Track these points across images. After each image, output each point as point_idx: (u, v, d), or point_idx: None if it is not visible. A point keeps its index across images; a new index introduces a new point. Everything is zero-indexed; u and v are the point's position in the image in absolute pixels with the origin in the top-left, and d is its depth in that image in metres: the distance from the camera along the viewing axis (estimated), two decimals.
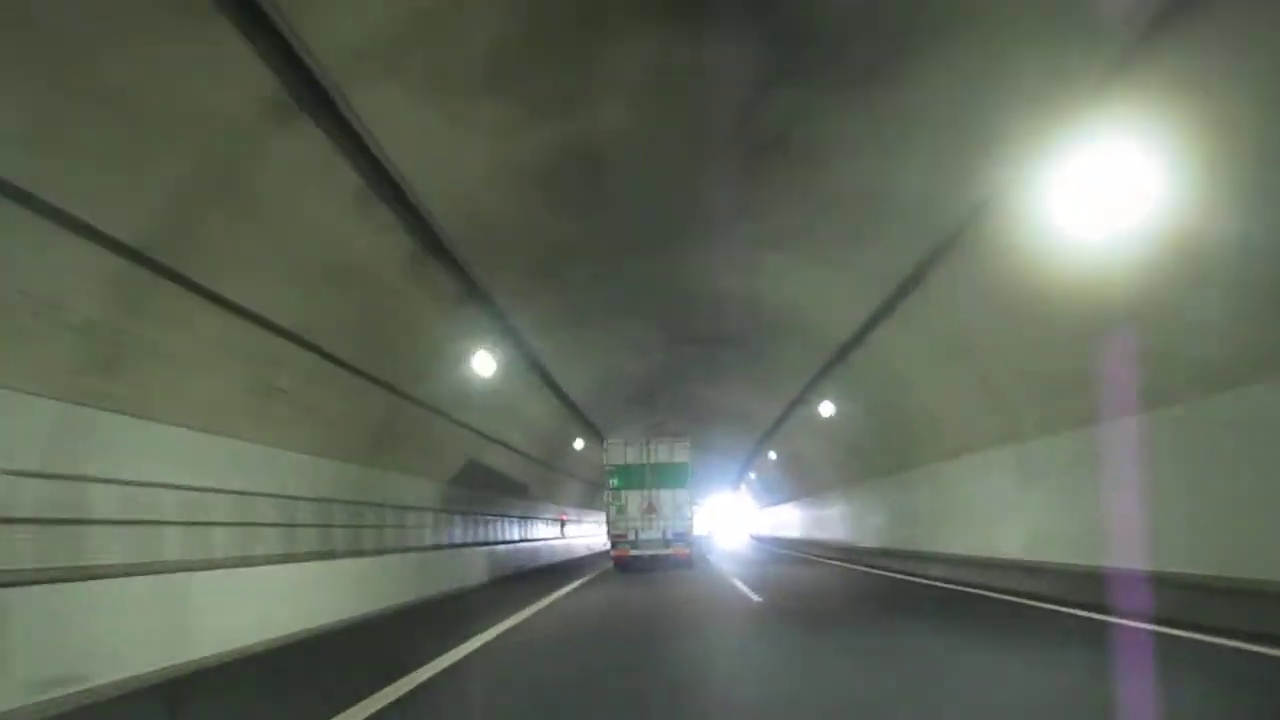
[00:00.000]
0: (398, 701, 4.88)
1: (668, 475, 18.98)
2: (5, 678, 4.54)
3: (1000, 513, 11.27)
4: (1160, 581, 7.18)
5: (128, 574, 5.78)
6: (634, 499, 18.94)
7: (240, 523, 7.63)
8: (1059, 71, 5.92)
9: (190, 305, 6.42)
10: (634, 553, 18.79)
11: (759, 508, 46.64)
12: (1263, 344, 6.03)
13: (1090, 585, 8.12)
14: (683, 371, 20.12)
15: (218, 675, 6.01)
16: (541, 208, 8.94)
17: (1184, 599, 6.75)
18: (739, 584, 13.30)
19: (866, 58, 6.36)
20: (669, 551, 18.68)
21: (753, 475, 39.59)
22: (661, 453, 19.15)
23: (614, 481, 19.09)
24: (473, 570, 15.25)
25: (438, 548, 14.36)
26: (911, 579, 13.00)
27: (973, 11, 5.74)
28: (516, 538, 21.51)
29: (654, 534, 18.75)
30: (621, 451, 19.19)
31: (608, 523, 19.09)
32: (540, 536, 25.28)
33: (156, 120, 5.26)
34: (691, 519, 19.00)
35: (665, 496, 18.87)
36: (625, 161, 8.08)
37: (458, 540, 15.87)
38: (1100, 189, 6.36)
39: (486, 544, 17.80)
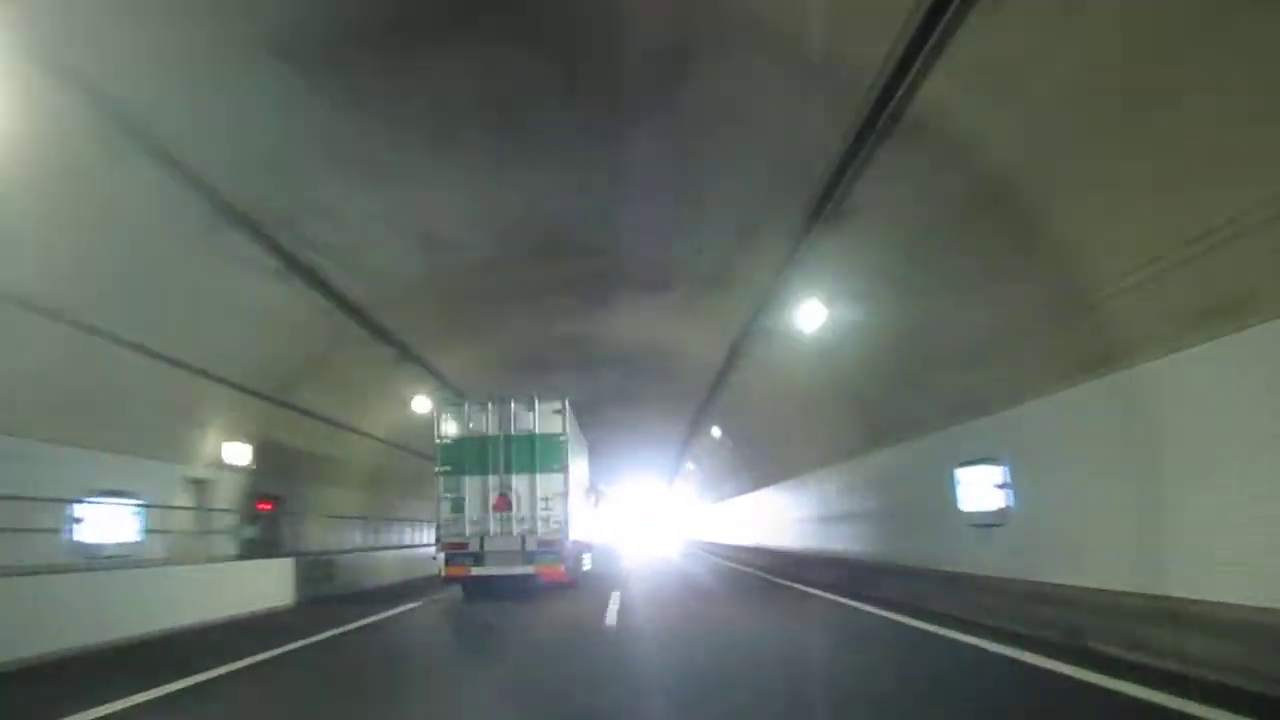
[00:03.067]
0: None
1: (532, 453, 13.02)
2: None
3: None
4: None
5: None
6: (477, 490, 12.94)
7: None
8: None
9: None
10: (476, 571, 12.83)
11: (704, 503, 39.98)
12: None
13: None
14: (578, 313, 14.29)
15: None
16: None
17: None
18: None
19: None
20: (531, 569, 12.78)
21: (691, 465, 33.76)
22: (522, 418, 13.17)
23: (447, 464, 13.08)
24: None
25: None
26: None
27: None
28: (361, 545, 15.39)
29: (509, 543, 12.79)
30: (460, 417, 13.17)
31: (437, 527, 13.06)
32: (398, 543, 19.13)
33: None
34: (570, 519, 13.10)
35: (528, 486, 12.93)
36: None
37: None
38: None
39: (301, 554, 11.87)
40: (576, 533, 14.23)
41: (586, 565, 17.73)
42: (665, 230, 10.58)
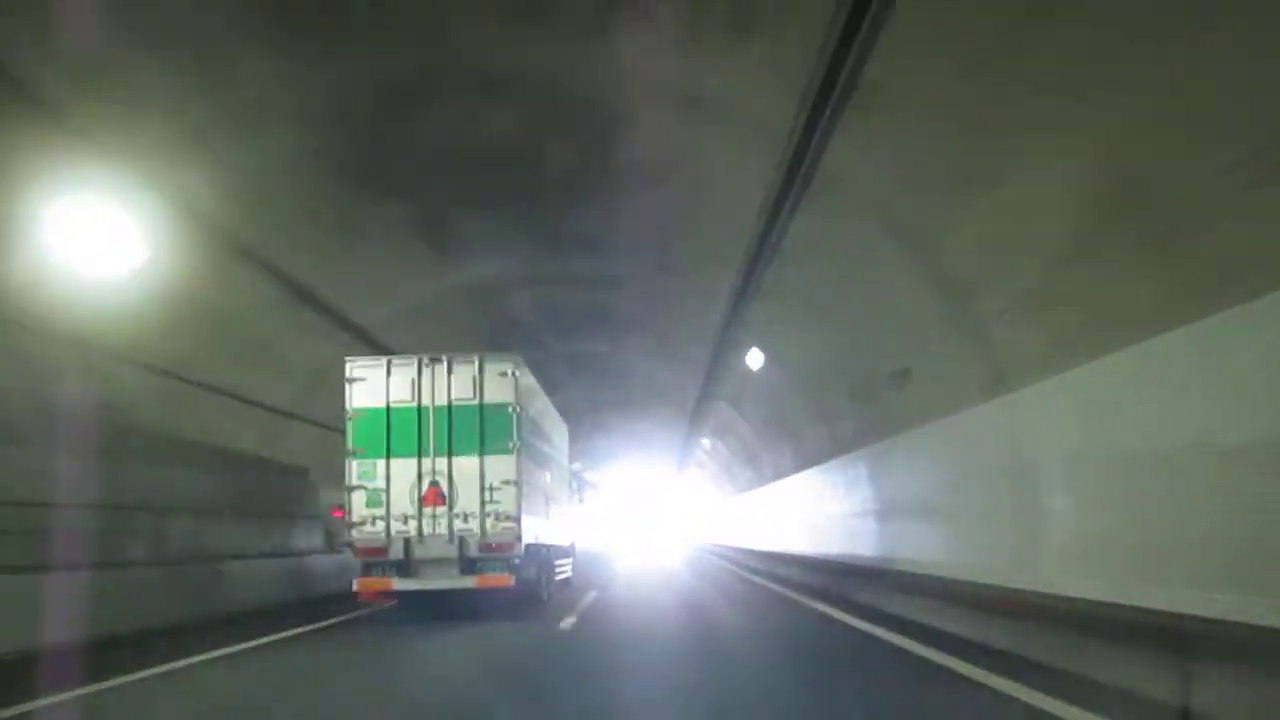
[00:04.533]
0: None
1: (476, 429, 10.00)
2: None
3: None
4: None
5: None
6: (402, 477, 9.95)
7: None
8: None
9: None
10: (400, 585, 9.84)
11: (725, 495, 31.68)
12: None
13: None
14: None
15: None
16: None
17: None
18: None
19: None
20: (471, 583, 9.79)
21: (706, 442, 28.83)
22: (462, 383, 10.16)
23: (360, 443, 10.08)
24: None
25: None
26: None
27: None
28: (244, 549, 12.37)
29: (443, 548, 9.80)
30: (379, 382, 10.18)
31: (347, 526, 10.06)
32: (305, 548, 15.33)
33: None
34: (526, 515, 10.08)
35: (470, 472, 9.94)
36: None
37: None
38: None
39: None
40: (538, 532, 11.23)
41: (565, 573, 14.70)
42: None
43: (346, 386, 10.12)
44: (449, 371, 10.11)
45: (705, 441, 28.52)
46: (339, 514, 11.04)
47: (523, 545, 9.89)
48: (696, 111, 7.47)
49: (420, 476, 9.90)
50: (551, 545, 12.81)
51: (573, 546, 16.24)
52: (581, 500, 18.71)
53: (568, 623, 9.35)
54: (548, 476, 12.60)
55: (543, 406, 12.36)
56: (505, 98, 7.44)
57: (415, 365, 10.14)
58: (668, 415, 24.78)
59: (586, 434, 24.53)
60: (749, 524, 24.27)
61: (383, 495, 9.88)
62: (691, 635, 8.63)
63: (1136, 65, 4.22)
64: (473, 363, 10.14)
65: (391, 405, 10.04)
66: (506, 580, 9.76)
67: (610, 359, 17.96)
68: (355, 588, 9.83)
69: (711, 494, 36.02)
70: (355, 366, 10.20)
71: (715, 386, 17.49)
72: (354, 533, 9.87)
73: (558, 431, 14.33)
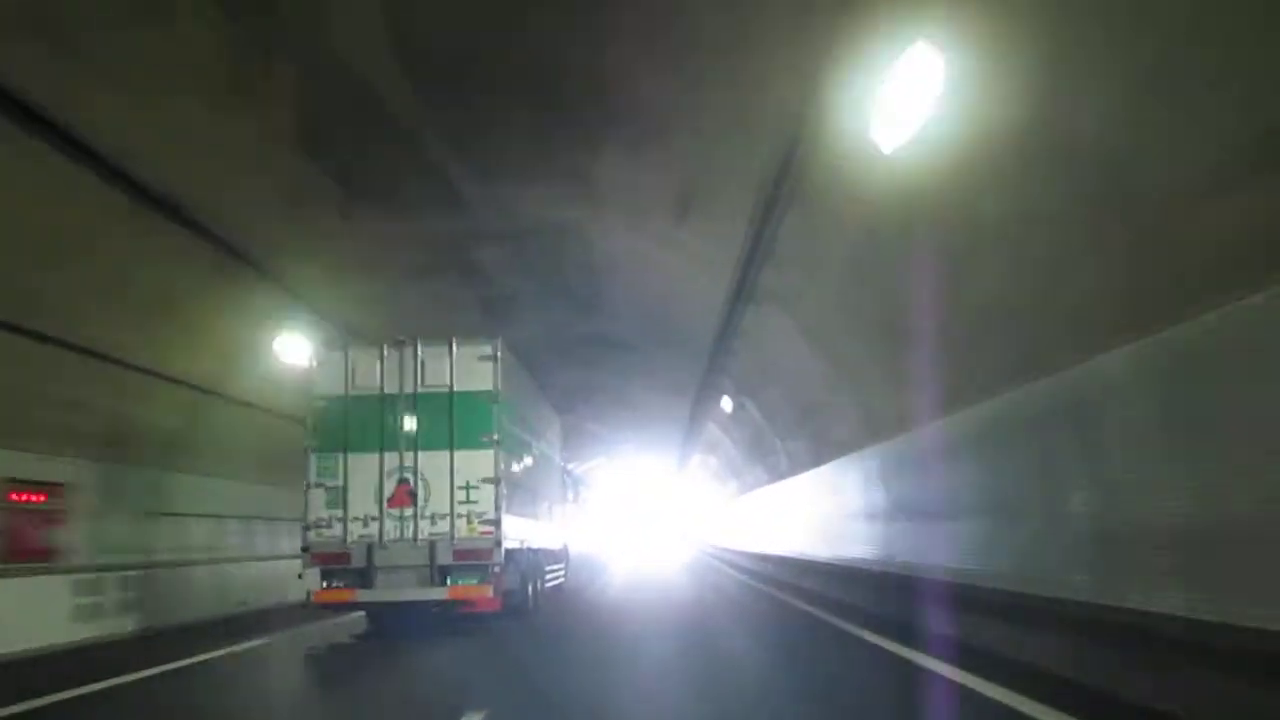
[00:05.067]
0: None
1: (449, 420, 8.90)
2: None
3: None
4: None
5: None
6: (365, 474, 8.86)
7: None
8: None
9: None
10: (362, 595, 8.76)
11: (729, 494, 28.32)
12: None
13: None
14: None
15: None
16: None
17: None
18: None
19: None
20: (442, 595, 8.71)
21: (704, 448, 27.42)
22: (435, 369, 9.07)
23: (321, 436, 8.98)
24: None
25: None
26: None
27: None
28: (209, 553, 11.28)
29: (411, 554, 8.71)
30: (342, 368, 9.10)
31: (305, 529, 8.97)
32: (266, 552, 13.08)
33: None
34: (502, 515, 8.96)
35: (442, 468, 8.86)
36: None
37: None
38: None
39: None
40: (523, 535, 10.15)
41: (557, 579, 13.62)
42: None
43: (308, 372, 9.05)
44: (418, 355, 9.03)
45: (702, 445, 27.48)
46: None
47: (502, 551, 8.79)
48: None
49: (386, 473, 8.82)
50: (540, 549, 11.72)
51: (565, 550, 15.15)
52: (576, 500, 17.57)
53: None
54: (535, 473, 11.50)
55: (529, 395, 11.27)
56: None
57: (380, 349, 9.06)
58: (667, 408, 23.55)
59: (578, 428, 23.14)
60: (761, 525, 21.18)
61: (344, 495, 8.80)
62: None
63: None
64: (446, 345, 9.05)
65: (353, 393, 8.97)
66: (483, 591, 8.67)
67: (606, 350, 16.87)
68: (310, 599, 8.75)
69: (715, 492, 33.73)
70: (315, 350, 9.11)
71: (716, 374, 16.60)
72: (310, 536, 8.79)
73: (548, 424, 13.22)
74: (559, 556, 14.13)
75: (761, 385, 13.89)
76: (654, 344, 15.66)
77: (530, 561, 10.66)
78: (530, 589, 10.57)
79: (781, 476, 16.91)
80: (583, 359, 16.46)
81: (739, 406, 16.30)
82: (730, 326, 11.70)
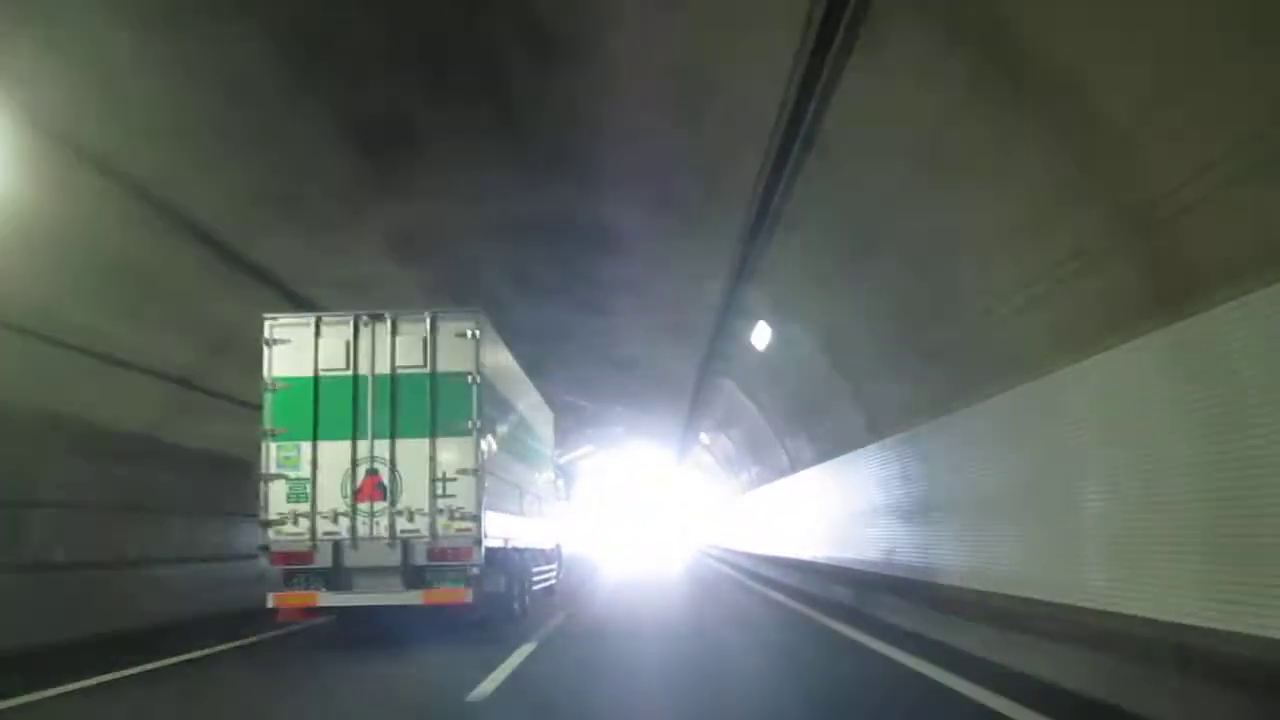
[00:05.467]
0: None
1: (425, 403, 8.00)
2: None
3: None
4: None
5: None
6: (332, 464, 7.95)
7: None
8: None
9: None
10: (327, 599, 7.84)
11: (738, 489, 25.21)
12: None
13: None
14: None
15: None
16: None
17: None
18: None
19: None
20: (417, 599, 7.82)
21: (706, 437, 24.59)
22: (409, 347, 8.16)
23: (281, 421, 8.08)
24: None
25: None
26: None
27: None
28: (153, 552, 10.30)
29: (381, 554, 7.81)
30: (305, 345, 8.18)
31: (263, 525, 8.06)
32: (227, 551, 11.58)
33: None
34: (483, 511, 8.05)
35: (417, 457, 7.95)
36: None
37: None
38: None
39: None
40: (508, 533, 9.27)
41: (547, 580, 12.72)
42: None
43: (265, 350, 8.14)
44: (393, 332, 8.13)
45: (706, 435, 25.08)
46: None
47: (483, 550, 7.90)
48: None
49: (355, 464, 7.93)
50: (528, 549, 10.83)
51: (558, 550, 14.24)
52: (569, 496, 16.65)
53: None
54: (522, 466, 10.62)
55: (515, 378, 10.35)
56: None
57: (351, 324, 8.16)
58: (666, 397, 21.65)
59: (567, 418, 21.34)
60: (771, 526, 19.22)
61: (307, 487, 7.90)
62: None
63: None
64: (423, 321, 8.16)
65: (321, 374, 8.07)
66: (461, 595, 7.79)
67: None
68: (270, 603, 7.85)
69: (718, 488, 31.46)
70: (276, 325, 8.21)
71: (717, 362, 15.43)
72: (270, 534, 7.88)
73: (537, 412, 12.33)
74: (550, 557, 13.23)
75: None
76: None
77: (517, 563, 9.77)
78: (517, 592, 9.68)
79: (802, 465, 14.92)
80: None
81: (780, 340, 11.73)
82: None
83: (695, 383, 17.79)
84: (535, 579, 11.48)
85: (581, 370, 17.49)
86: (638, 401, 22.20)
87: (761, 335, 11.90)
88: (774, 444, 16.75)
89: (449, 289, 11.38)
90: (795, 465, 15.77)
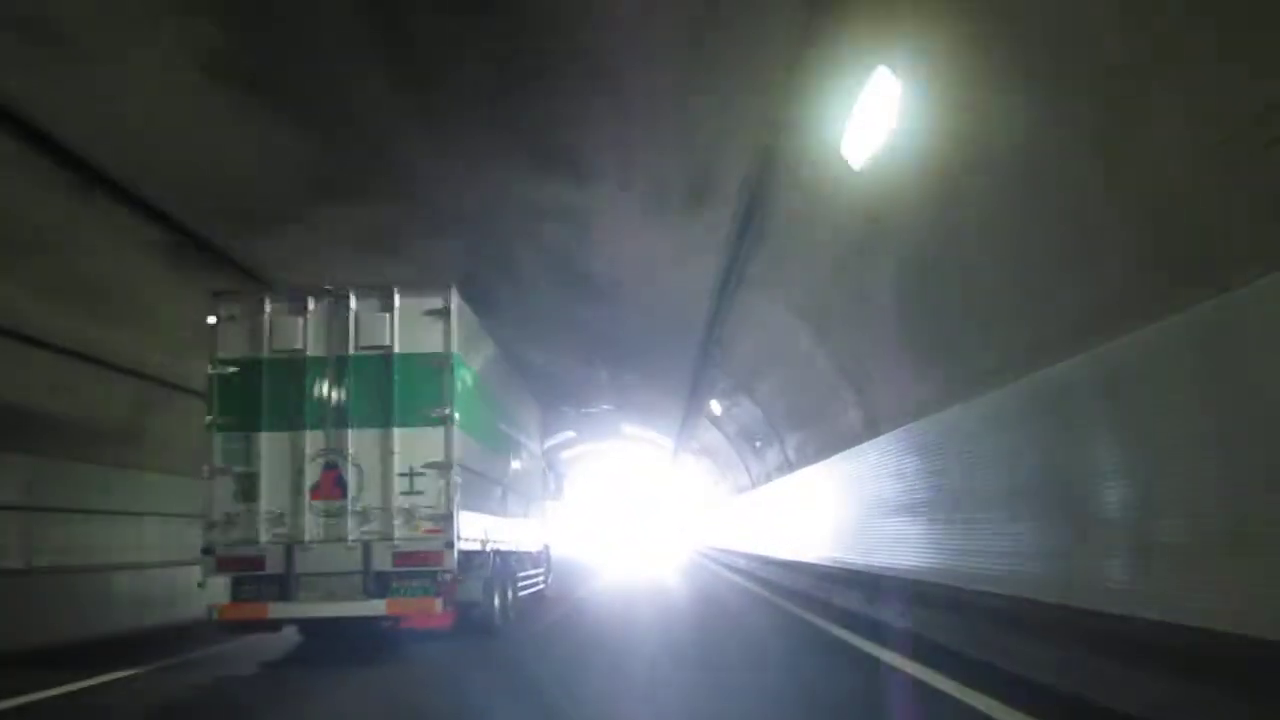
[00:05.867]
0: None
1: (387, 389, 7.13)
2: None
3: None
4: None
5: None
6: (283, 458, 7.06)
7: None
8: None
9: None
10: (278, 611, 6.93)
11: (739, 485, 22.82)
12: None
13: None
14: None
15: None
16: None
17: None
18: None
19: None
20: (380, 609, 6.92)
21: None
22: (367, 325, 7.27)
23: (228, 410, 7.18)
24: None
25: None
26: None
27: None
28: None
29: (340, 558, 6.92)
30: (253, 324, 7.30)
31: (208, 526, 7.17)
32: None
33: None
34: (456, 510, 7.17)
35: (379, 450, 7.06)
36: None
37: None
38: None
39: None
40: (486, 534, 8.41)
41: (535, 585, 11.85)
42: None
43: (210, 330, 7.27)
44: (352, 309, 7.26)
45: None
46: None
47: (455, 554, 7.02)
48: None
49: (310, 457, 7.05)
50: (511, 552, 9.96)
51: (546, 552, 13.35)
52: (558, 495, 15.73)
53: None
54: (503, 459, 9.75)
55: (493, 361, 9.40)
56: None
57: (305, 300, 7.29)
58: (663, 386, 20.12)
59: (553, 407, 19.08)
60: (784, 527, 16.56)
61: (257, 483, 7.03)
62: None
63: None
64: (386, 296, 7.29)
65: (270, 356, 7.20)
66: (431, 606, 6.92)
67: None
68: (215, 615, 6.97)
69: (719, 485, 28.43)
70: (221, 303, 7.33)
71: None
72: (214, 536, 7.01)
73: (519, 399, 11.41)
74: (538, 560, 12.34)
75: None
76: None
77: (498, 567, 8.88)
78: (498, 601, 8.79)
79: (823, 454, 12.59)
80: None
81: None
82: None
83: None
84: (521, 585, 10.61)
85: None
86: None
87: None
88: (772, 444, 15.81)
89: None
90: (777, 470, 15.01)
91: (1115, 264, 4.71)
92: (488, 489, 8.65)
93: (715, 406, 17.84)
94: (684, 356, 15.20)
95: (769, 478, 18.17)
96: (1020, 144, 4.93)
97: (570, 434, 26.74)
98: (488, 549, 8.38)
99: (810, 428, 13.25)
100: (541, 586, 12.32)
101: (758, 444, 17.97)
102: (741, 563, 19.97)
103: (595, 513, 42.18)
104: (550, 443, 24.25)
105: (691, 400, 18.88)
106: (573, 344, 15.16)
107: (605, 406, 21.98)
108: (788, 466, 15.64)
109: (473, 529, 7.74)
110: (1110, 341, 4.90)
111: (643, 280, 11.65)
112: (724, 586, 15.35)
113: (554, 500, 14.93)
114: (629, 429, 28.25)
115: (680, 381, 17.59)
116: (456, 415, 7.16)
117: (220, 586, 7.12)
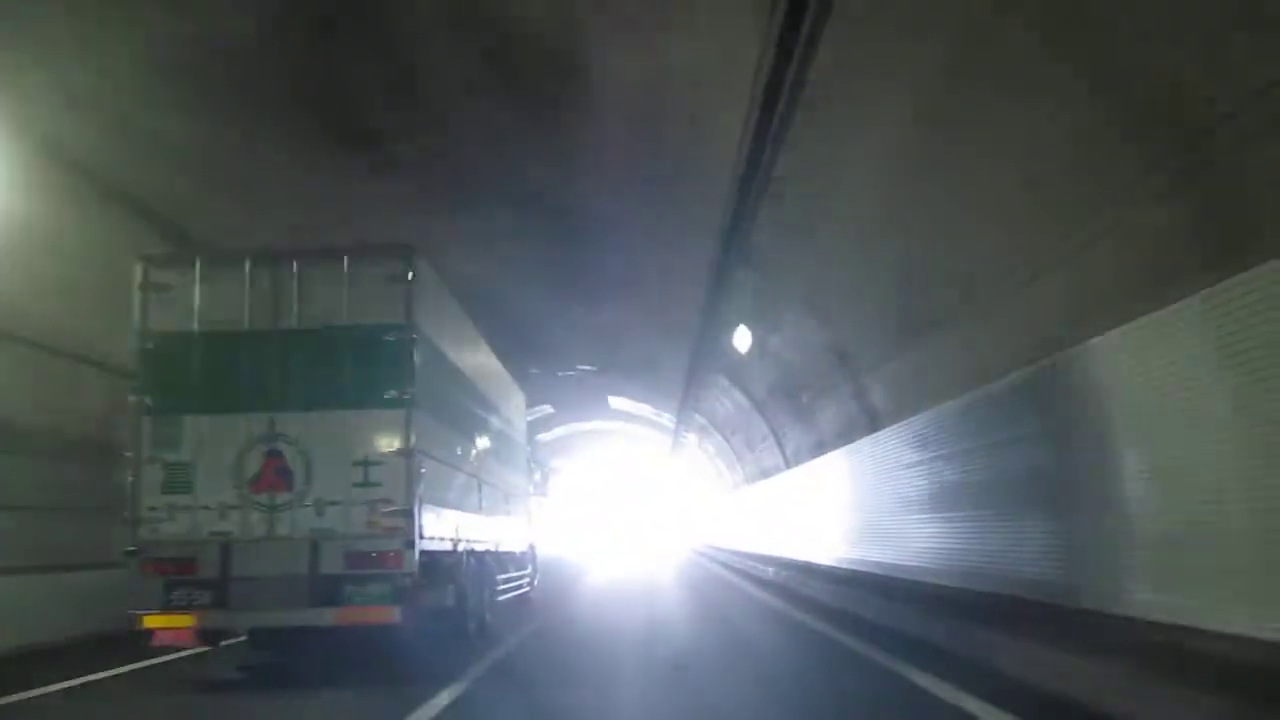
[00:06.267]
0: None
1: (340, 366, 6.25)
2: None
3: None
4: None
5: None
6: (219, 444, 6.17)
7: None
8: None
9: None
10: (212, 620, 6.07)
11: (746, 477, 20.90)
12: None
13: None
14: None
15: None
16: None
17: None
18: None
19: None
20: (329, 619, 6.04)
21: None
22: (318, 294, 6.38)
23: (156, 389, 6.32)
24: None
25: None
26: None
27: None
28: None
29: (281, 557, 6.05)
30: (188, 293, 6.40)
31: (134, 523, 6.29)
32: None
33: None
34: (419, 504, 6.30)
35: (328, 434, 6.16)
36: None
37: None
38: None
39: None
40: (456, 532, 7.53)
41: (518, 588, 10.98)
42: None
43: (136, 298, 6.39)
44: (299, 276, 6.39)
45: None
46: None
47: (416, 555, 6.15)
48: None
49: (250, 444, 6.18)
50: (490, 552, 9.11)
51: (531, 553, 12.45)
52: (544, 489, 14.74)
53: None
54: (479, 448, 8.86)
55: (465, 337, 8.46)
56: None
57: (247, 266, 6.41)
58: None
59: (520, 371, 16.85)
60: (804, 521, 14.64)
61: (190, 474, 6.16)
62: None
63: None
64: (339, 262, 6.40)
65: (208, 329, 6.32)
66: (386, 614, 6.05)
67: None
68: (141, 624, 6.08)
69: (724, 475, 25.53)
70: (151, 268, 6.45)
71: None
72: (142, 533, 6.13)
73: (498, 383, 10.45)
74: (521, 561, 11.46)
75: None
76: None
77: (471, 570, 8.01)
78: (473, 606, 7.95)
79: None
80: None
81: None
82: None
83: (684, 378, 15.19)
84: (501, 588, 9.75)
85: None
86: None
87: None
88: (784, 430, 14.44)
89: None
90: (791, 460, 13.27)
91: None
92: (459, 481, 7.77)
93: (741, 339, 12.15)
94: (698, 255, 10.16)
95: (819, 449, 13.48)
96: None
97: (547, 409, 21.47)
98: (459, 549, 7.51)
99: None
100: (525, 589, 11.44)
101: (805, 399, 13.11)
102: (770, 572, 14.76)
103: (582, 510, 39.08)
104: (561, 450, 23.00)
105: (702, 340, 13.24)
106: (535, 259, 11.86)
107: (585, 368, 17.09)
108: (868, 424, 11.19)
109: (440, 527, 6.87)
110: None
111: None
112: (747, 613, 10.58)
113: (540, 495, 14.02)
114: (619, 403, 23.43)
115: (688, 313, 12.46)
116: (418, 396, 6.29)
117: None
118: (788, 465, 15.68)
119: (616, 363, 17.54)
